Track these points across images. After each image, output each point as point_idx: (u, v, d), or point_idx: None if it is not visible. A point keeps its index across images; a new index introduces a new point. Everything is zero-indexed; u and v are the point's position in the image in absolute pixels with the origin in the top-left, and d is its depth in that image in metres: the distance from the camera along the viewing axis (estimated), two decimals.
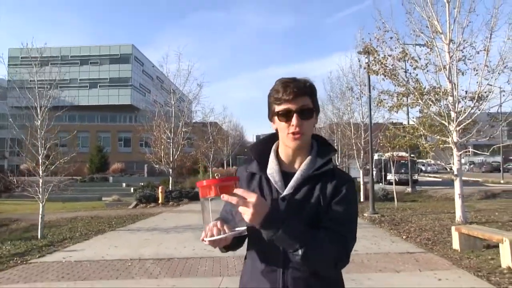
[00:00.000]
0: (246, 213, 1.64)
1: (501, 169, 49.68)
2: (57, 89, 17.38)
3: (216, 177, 1.76)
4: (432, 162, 29.35)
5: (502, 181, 40.58)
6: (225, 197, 1.65)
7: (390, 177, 35.87)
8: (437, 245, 10.07)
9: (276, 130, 2.00)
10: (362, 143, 23.58)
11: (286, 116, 1.88)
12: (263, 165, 2.00)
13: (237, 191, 1.68)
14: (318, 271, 1.82)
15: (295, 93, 1.85)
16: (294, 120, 1.86)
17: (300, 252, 1.70)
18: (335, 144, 30.65)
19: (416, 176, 37.84)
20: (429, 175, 57.82)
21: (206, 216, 1.74)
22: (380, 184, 33.99)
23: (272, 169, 1.97)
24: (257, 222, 1.66)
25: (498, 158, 68.18)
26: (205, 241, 1.71)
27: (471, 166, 74.55)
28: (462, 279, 7.02)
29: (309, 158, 1.97)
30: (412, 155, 30.75)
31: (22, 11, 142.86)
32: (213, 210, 1.74)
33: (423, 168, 65.33)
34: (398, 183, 33.18)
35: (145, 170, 45.99)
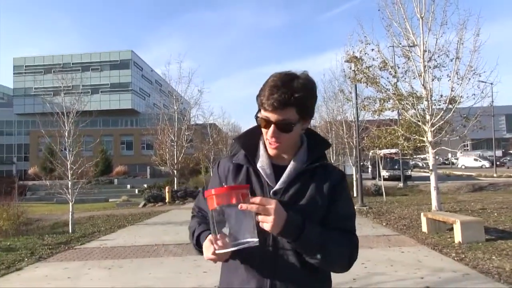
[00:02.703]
0: (266, 220, 1.57)
1: (494, 163, 50.73)
2: (85, 95, 17.95)
3: (224, 185, 1.77)
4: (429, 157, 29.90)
5: (495, 175, 41.52)
6: (243, 205, 1.54)
7: (384, 173, 37.76)
8: (410, 230, 11.98)
9: None
10: (354, 141, 25.32)
11: (265, 123, 1.78)
12: (252, 157, 1.89)
13: (255, 198, 1.59)
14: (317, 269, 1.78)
15: (275, 106, 1.71)
16: (270, 131, 1.76)
17: (319, 256, 1.68)
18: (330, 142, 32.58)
19: (409, 172, 39.22)
20: (425, 170, 58.91)
21: (216, 227, 1.60)
22: (375, 180, 35.46)
23: (262, 161, 1.87)
24: (276, 230, 1.59)
25: (497, 152, 69.44)
26: (215, 255, 1.63)
27: None
28: (420, 252, 8.98)
29: (300, 151, 1.88)
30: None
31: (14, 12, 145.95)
32: (224, 221, 1.61)
33: (421, 164, 66.65)
34: (393, 178, 35.10)
35: (148, 172, 47.51)
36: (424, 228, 11.46)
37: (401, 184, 32.10)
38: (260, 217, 1.57)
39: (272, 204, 1.57)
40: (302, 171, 1.82)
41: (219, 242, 1.57)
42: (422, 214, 11.95)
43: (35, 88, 77.86)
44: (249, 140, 1.94)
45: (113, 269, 8.27)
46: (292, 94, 1.70)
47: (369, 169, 45.99)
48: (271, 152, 1.85)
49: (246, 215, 1.56)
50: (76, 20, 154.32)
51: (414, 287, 6.31)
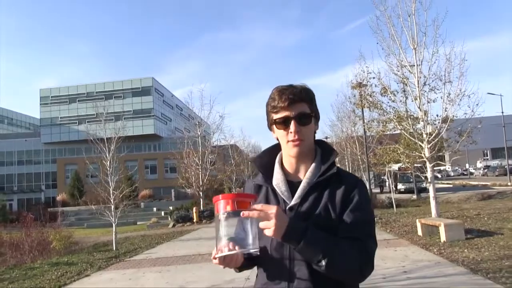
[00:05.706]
0: (268, 226, 1.59)
1: (507, 172, 50.86)
2: (121, 120, 19.38)
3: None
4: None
5: (509, 184, 41.80)
6: (245, 212, 1.59)
7: (400, 186, 39.49)
8: (409, 234, 13.91)
9: (278, 139, 1.97)
10: (364, 159, 27.24)
11: (284, 123, 1.85)
12: (268, 176, 1.96)
13: (256, 205, 1.64)
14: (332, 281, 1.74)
15: (291, 99, 1.82)
16: (292, 126, 1.82)
17: (323, 262, 1.64)
18: (346, 160, 34.52)
19: (424, 184, 40.62)
20: (442, 182, 59.74)
21: (220, 232, 1.63)
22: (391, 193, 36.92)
23: (277, 179, 1.93)
24: (279, 235, 1.62)
25: None
26: (215, 259, 1.67)
27: (485, 170, 76.38)
28: (410, 249, 11.02)
29: (313, 165, 1.92)
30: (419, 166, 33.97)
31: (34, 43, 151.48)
32: (226, 226, 1.62)
33: (439, 176, 67.89)
34: (408, 191, 36.77)
35: (173, 194, 49.36)
36: (419, 232, 13.41)
37: (414, 196, 33.58)
38: (262, 223, 1.61)
39: (273, 209, 1.60)
40: (315, 184, 1.85)
41: (222, 248, 1.61)
42: (417, 220, 13.90)
43: (61, 118, 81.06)
44: (265, 161, 2.02)
45: (163, 272, 10.47)
46: (300, 91, 1.87)
47: (387, 183, 47.60)
48: (295, 151, 1.88)
49: (249, 223, 1.62)
50: (95, 47, 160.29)
51: (395, 272, 8.31)
